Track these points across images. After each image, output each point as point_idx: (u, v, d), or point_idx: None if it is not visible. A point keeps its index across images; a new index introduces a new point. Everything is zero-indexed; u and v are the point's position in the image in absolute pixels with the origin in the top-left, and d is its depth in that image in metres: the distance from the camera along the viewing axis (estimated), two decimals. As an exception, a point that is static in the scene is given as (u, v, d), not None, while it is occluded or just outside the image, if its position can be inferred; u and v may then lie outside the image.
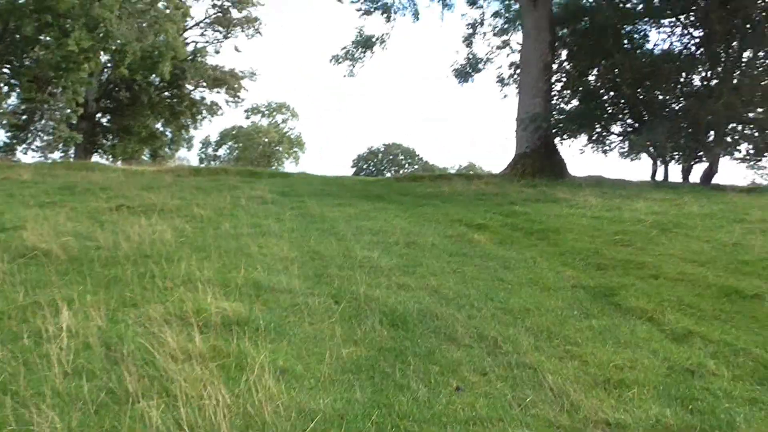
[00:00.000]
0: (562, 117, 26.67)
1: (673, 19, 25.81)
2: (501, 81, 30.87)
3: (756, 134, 22.79)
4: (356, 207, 13.31)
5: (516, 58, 29.48)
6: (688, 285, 6.97)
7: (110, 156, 46.03)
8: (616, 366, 4.67)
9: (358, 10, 31.42)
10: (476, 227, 10.68)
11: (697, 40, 25.28)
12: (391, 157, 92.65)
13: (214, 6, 45.75)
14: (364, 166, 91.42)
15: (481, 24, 32.19)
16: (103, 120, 46.16)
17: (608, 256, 8.47)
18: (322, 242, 9.15)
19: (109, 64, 37.67)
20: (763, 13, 21.70)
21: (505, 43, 31.84)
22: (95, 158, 43.74)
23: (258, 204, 13.19)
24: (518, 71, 28.20)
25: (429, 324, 5.60)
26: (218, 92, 48.87)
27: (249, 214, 11.56)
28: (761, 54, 22.43)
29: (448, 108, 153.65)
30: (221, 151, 76.95)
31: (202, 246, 8.54)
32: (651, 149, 23.13)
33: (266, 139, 73.74)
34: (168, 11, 37.01)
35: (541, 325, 5.57)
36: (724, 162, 25.62)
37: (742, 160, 26.28)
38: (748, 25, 22.15)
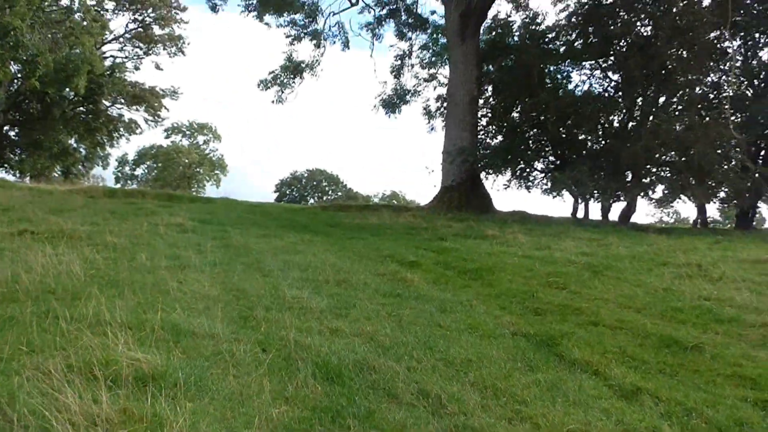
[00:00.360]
0: (487, 152, 27.04)
1: (593, 62, 26.77)
2: (428, 113, 31.07)
3: (671, 176, 23.70)
4: (282, 239, 12.76)
5: (443, 91, 29.83)
6: (628, 334, 6.83)
7: (17, 172, 43.32)
8: (570, 430, 4.36)
9: (287, 36, 31.13)
10: (408, 265, 10.35)
11: (616, 84, 26.30)
12: (314, 183, 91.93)
13: (135, 21, 44.35)
14: (287, 192, 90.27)
15: (409, 56, 32.50)
16: (11, 133, 43.50)
17: (544, 299, 8.28)
18: (246, 278, 8.57)
19: (19, 75, 35.58)
20: (677, 61, 22.73)
21: (433, 77, 32.20)
22: (1, 174, 41.07)
23: (177, 232, 12.43)
24: (445, 104, 28.46)
25: (366, 378, 5.15)
26: (137, 110, 47.15)
27: (167, 244, 10.81)
28: (675, 99, 23.47)
29: (373, 137, 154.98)
30: (139, 171, 74.30)
31: (115, 281, 7.80)
32: (573, 187, 23.63)
33: (186, 161, 71.67)
34: (85, 23, 35.51)
35: (486, 380, 5.22)
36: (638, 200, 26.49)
37: (658, 201, 27.35)
38: (663, 71, 23.16)
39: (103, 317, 6.07)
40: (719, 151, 21.05)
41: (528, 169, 28.77)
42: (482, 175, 26.71)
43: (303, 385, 4.92)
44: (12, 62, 30.05)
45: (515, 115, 28.64)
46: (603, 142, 25.27)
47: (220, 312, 6.64)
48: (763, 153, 24.00)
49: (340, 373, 5.18)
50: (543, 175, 29.28)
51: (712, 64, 23.18)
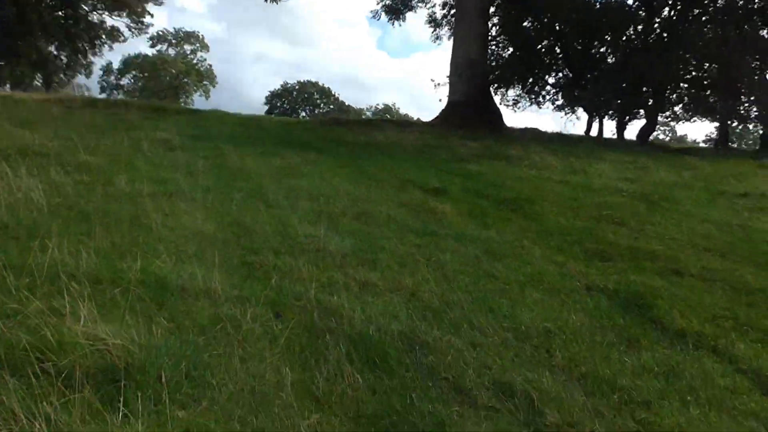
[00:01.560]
0: (499, 64, 25.13)
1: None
2: (434, 21, 28.69)
3: (695, 92, 22.04)
4: (283, 158, 11.21)
5: (450, -3, 27.48)
6: (727, 290, 5.47)
7: (-5, 80, 40.75)
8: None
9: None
10: (433, 192, 8.89)
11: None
12: (305, 95, 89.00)
13: None
14: (278, 104, 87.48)
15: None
16: (-14, 39, 40.63)
17: (606, 239, 6.90)
18: (247, 210, 7.10)
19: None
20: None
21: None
22: (-23, 82, 38.66)
23: (164, 150, 10.84)
24: (452, 11, 26.21)
25: (421, 360, 3.78)
26: (119, 16, 44.06)
27: (152, 165, 9.26)
28: (710, 9, 21.40)
29: (364, 50, 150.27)
30: (125, 80, 71.10)
31: (85, 213, 6.32)
32: (595, 103, 21.94)
33: (173, 71, 68.53)
34: None
35: (580, 364, 3.87)
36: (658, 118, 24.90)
37: (675, 118, 25.76)
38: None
39: (64, 267, 4.64)
40: (755, 64, 19.30)
41: (540, 84, 26.95)
42: (492, 89, 24.88)
43: (336, 373, 3.55)
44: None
45: (527, 25, 26.49)
46: (624, 56, 23.32)
47: (217, 257, 5.19)
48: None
49: (385, 354, 3.80)
50: (555, 90, 27.51)
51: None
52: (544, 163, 12.04)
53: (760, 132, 24.21)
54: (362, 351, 3.81)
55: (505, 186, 9.53)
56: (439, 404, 3.33)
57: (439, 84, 29.06)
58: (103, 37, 45.65)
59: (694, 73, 21.56)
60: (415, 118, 43.08)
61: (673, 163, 13.66)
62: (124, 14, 44.64)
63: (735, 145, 34.61)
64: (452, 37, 25.12)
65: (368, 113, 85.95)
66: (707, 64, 20.38)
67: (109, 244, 5.40)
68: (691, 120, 25.47)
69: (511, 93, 28.26)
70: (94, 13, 43.96)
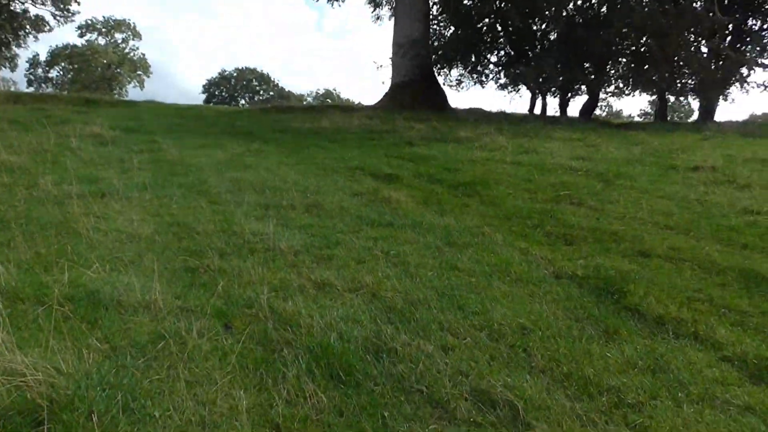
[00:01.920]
0: (441, 43, 24.85)
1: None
2: (374, 1, 28.15)
3: (635, 66, 22.24)
4: (225, 149, 10.66)
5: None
6: (696, 269, 5.28)
7: None
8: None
9: None
10: (386, 179, 8.52)
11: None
12: (244, 82, 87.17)
13: None
14: (216, 92, 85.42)
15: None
16: None
17: (566, 221, 6.67)
18: (188, 207, 6.59)
19: None
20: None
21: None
22: None
23: (95, 145, 10.15)
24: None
25: (389, 371, 3.42)
26: (43, 4, 41.92)
27: (82, 162, 8.60)
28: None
29: (303, 33, 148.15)
30: (54, 73, 68.02)
31: (5, 220, 5.72)
32: (539, 81, 21.89)
33: (105, 61, 65.92)
34: None
35: (561, 363, 3.57)
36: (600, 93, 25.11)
37: (616, 93, 26.07)
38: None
39: (-21, 283, 4.10)
40: (691, 37, 19.55)
41: (483, 62, 26.82)
42: (435, 69, 24.60)
43: (297, 393, 3.16)
44: None
45: (468, 2, 26.25)
46: (565, 31, 23.34)
47: (156, 263, 4.72)
48: (729, 38, 22.65)
49: (349, 366, 3.43)
50: (498, 69, 27.44)
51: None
52: (495, 144, 11.80)
53: (698, 104, 24.64)
54: (324, 364, 3.43)
55: (458, 170, 9.22)
56: (415, 422, 2.98)
57: (381, 66, 28.81)
58: (27, 27, 43.50)
59: (633, 48, 21.72)
60: (356, 103, 42.59)
61: (621, 138, 13.65)
62: (49, 2, 42.55)
63: (670, 119, 35.38)
64: (393, 17, 24.72)
65: (309, 99, 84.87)
66: (645, 38, 20.52)
67: (33, 254, 4.85)
68: (632, 94, 25.79)
69: (455, 72, 28.09)
70: (16, 1, 41.76)
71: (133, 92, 65.32)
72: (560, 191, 7.92)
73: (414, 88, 22.41)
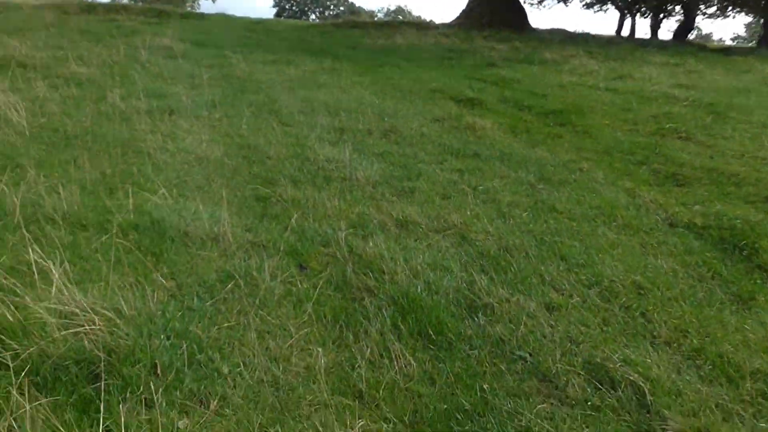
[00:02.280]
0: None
1: None
2: None
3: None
4: (297, 66, 10.14)
5: None
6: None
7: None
8: None
9: None
10: (468, 104, 7.87)
11: None
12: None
13: None
14: (287, 7, 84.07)
15: None
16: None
17: (675, 158, 5.94)
18: (259, 128, 6.18)
19: None
20: None
21: None
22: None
23: (164, 58, 9.78)
24: None
25: (485, 331, 2.96)
26: None
27: (150, 76, 8.26)
28: None
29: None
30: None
31: (71, 135, 5.44)
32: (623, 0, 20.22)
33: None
34: None
35: (686, 330, 3.04)
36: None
37: (710, 15, 24.09)
38: None
39: (39, 208, 3.81)
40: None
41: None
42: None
43: (382, 353, 2.75)
44: None
45: None
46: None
47: (225, 190, 4.35)
48: None
49: (440, 323, 2.98)
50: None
51: None
52: (585, 68, 10.86)
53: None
54: (412, 320, 3.00)
55: (546, 95, 8.46)
56: (520, 399, 2.53)
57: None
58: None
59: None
60: (428, 20, 40.92)
61: (725, 64, 12.41)
62: None
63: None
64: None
65: (380, 15, 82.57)
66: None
67: (98, 175, 4.55)
68: (733, 16, 23.75)
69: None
70: None
71: (204, 4, 64.91)
72: (664, 124, 7.12)
73: (493, 5, 21.09)
